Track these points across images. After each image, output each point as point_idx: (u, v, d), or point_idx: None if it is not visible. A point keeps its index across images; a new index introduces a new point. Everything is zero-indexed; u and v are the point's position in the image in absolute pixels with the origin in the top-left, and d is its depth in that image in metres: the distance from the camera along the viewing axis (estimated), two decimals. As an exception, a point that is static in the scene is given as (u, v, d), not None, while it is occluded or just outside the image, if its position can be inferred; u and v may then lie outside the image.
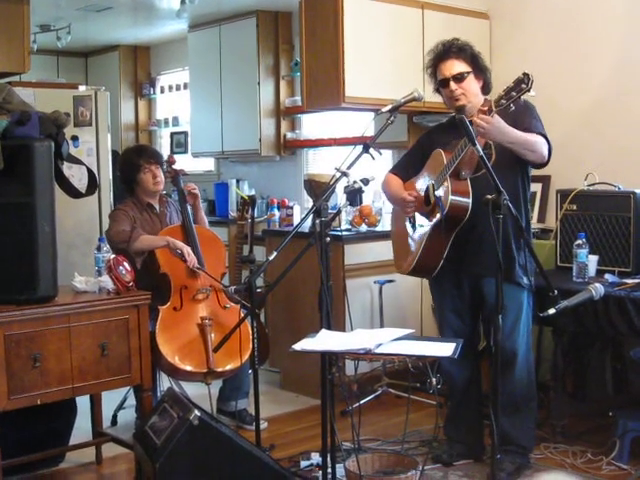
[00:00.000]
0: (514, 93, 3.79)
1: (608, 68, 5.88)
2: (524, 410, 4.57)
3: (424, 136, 4.95)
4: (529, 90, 3.73)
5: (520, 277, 4.42)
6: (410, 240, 4.66)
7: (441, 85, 4.55)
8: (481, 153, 3.60)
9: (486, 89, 4.57)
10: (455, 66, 4.47)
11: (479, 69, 4.52)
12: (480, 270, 4.42)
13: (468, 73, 4.46)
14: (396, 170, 4.88)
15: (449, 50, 4.51)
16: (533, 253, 3.89)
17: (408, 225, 4.70)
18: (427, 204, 4.49)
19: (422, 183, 4.59)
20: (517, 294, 4.42)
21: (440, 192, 4.35)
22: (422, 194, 4.53)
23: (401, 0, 6.09)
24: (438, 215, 4.33)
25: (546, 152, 4.33)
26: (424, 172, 4.61)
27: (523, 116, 4.29)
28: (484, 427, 4.74)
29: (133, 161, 5.27)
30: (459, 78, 4.45)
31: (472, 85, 4.49)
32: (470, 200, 4.27)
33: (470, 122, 4.10)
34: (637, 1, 5.71)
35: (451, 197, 4.27)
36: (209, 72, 8.72)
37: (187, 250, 5.01)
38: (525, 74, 3.74)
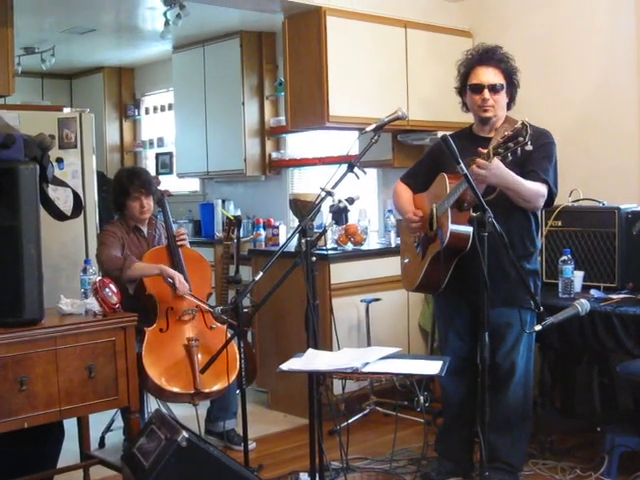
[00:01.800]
0: (511, 144, 3.71)
1: (591, 85, 5.92)
2: (517, 429, 4.55)
3: (437, 145, 4.84)
4: (526, 144, 3.65)
5: (524, 300, 4.29)
6: (414, 260, 4.64)
7: (473, 89, 4.46)
8: (465, 171, 3.59)
9: (509, 105, 4.53)
10: (495, 76, 4.40)
11: (512, 85, 4.47)
12: (480, 300, 4.37)
13: (503, 86, 4.42)
14: (407, 179, 4.81)
15: (492, 57, 4.44)
16: (521, 274, 3.89)
17: (414, 243, 4.68)
18: (431, 227, 4.45)
19: (427, 203, 4.54)
20: (521, 314, 4.33)
21: (441, 221, 4.30)
22: (428, 213, 4.49)
23: (384, 19, 6.12)
24: (439, 244, 4.31)
25: (541, 204, 4.33)
26: (431, 192, 4.55)
27: (537, 153, 4.23)
28: (474, 445, 4.73)
29: (123, 185, 5.24)
30: (495, 89, 4.40)
31: (503, 99, 4.45)
32: (471, 230, 4.18)
33: (482, 138, 4.11)
34: (619, 19, 5.75)
35: (451, 227, 4.21)
36: (193, 93, 8.74)
37: (179, 278, 4.98)
38: (524, 125, 3.64)
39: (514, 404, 4.52)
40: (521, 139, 3.66)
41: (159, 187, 5.42)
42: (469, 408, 4.72)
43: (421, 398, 5.59)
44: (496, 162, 3.95)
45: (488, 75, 4.42)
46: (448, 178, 4.33)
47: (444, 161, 4.41)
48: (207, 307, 5.14)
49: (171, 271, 5.01)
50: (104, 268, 5.06)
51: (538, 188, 4.26)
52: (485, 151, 3.95)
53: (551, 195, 4.35)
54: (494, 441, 4.28)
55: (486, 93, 4.41)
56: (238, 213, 8.13)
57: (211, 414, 5.50)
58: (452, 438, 4.80)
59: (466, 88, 4.53)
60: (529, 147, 3.69)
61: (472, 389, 4.70)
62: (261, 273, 3.72)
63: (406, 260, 4.82)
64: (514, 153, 3.75)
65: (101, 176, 7.36)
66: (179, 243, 5.29)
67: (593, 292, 4.87)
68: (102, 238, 5.30)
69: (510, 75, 4.46)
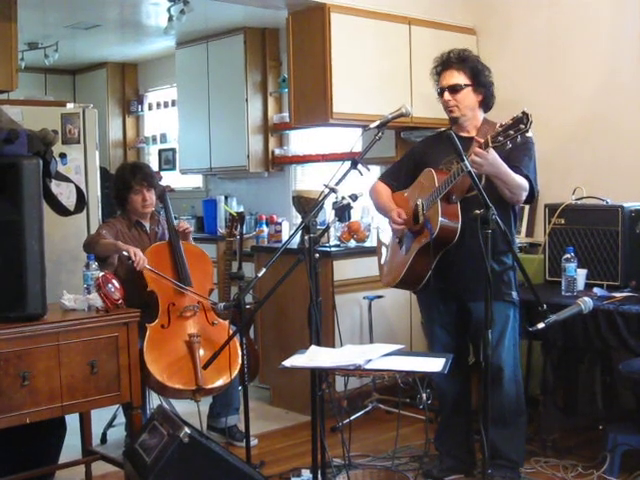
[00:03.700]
0: (512, 132, 3.76)
1: (595, 83, 5.92)
2: (513, 424, 4.56)
3: (417, 146, 4.94)
4: (527, 131, 3.70)
5: (506, 294, 4.43)
6: (396, 255, 4.66)
7: (438, 94, 4.56)
8: (470, 169, 3.62)
9: (486, 104, 4.56)
10: (453, 77, 4.47)
11: (479, 84, 4.49)
12: (464, 293, 4.44)
13: (466, 86, 4.45)
14: (386, 179, 4.84)
15: (451, 59, 4.51)
16: (522, 268, 3.90)
17: (395, 240, 4.69)
18: (415, 222, 4.49)
19: (411, 199, 4.58)
20: (503, 309, 4.43)
21: (429, 214, 4.35)
22: (412, 209, 4.53)
23: (388, 16, 6.11)
24: (426, 237, 4.33)
25: (523, 198, 4.37)
26: (414, 188, 4.59)
27: (518, 151, 4.27)
28: (474, 441, 4.74)
29: (126, 180, 5.27)
30: (454, 90, 4.45)
31: (468, 98, 4.48)
32: (459, 224, 4.27)
33: (459, 137, 4.13)
34: (623, 18, 5.74)
35: (441, 219, 4.26)
36: (197, 89, 8.73)
37: (134, 251, 4.92)
38: (524, 113, 3.70)
39: (508, 400, 4.53)
40: (522, 126, 3.72)
41: (160, 182, 5.43)
42: (464, 404, 4.79)
43: (423, 395, 5.59)
44: (492, 152, 4.01)
45: (447, 77, 4.51)
46: (436, 173, 4.39)
47: (427, 160, 4.55)
48: (207, 299, 5.14)
49: (125, 245, 4.98)
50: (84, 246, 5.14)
51: (523, 182, 4.31)
52: (482, 140, 3.98)
53: (532, 191, 4.40)
54: (492, 438, 4.28)
55: (446, 95, 4.50)
56: (241, 209, 8.14)
57: (213, 410, 5.50)
58: (450, 435, 4.82)
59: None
60: (530, 134, 3.75)
61: (465, 384, 4.75)
62: (264, 269, 3.71)
63: (386, 256, 4.84)
64: (513, 140, 3.79)
65: (104, 172, 7.36)
66: (186, 232, 5.32)
67: (596, 290, 4.86)
68: (99, 227, 5.42)
69: (475, 74, 4.50)
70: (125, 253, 4.92)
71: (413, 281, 4.55)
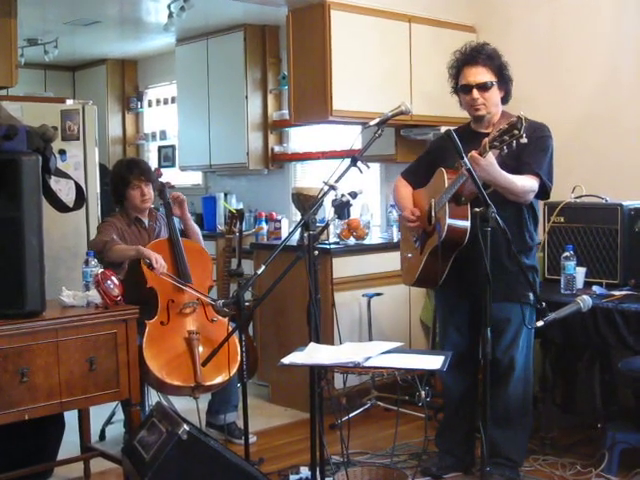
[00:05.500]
0: (506, 137, 3.70)
1: (595, 82, 5.91)
2: (517, 424, 4.56)
3: (435, 142, 4.92)
4: (521, 136, 3.64)
5: (522, 295, 4.35)
6: (413, 254, 4.64)
7: (463, 90, 4.48)
8: (469, 166, 3.60)
9: (506, 99, 4.53)
10: (482, 74, 4.40)
11: (504, 80, 4.46)
12: (480, 294, 4.40)
13: (493, 83, 4.41)
14: (407, 175, 4.83)
15: (478, 56, 4.43)
16: (522, 267, 3.89)
17: (413, 238, 4.68)
18: (429, 222, 4.46)
19: (427, 198, 4.55)
20: (519, 310, 4.36)
21: (439, 215, 4.32)
22: (426, 209, 4.51)
23: (388, 14, 6.10)
24: (437, 238, 4.32)
25: (530, 197, 4.33)
26: (430, 187, 4.56)
27: (533, 145, 4.23)
28: (475, 440, 4.73)
29: (123, 176, 5.25)
30: (484, 88, 4.40)
31: (494, 95, 4.44)
32: (468, 224, 4.22)
33: (480, 133, 4.11)
34: (624, 16, 5.74)
35: (449, 221, 4.23)
36: (197, 86, 8.73)
37: (155, 257, 4.91)
38: (519, 118, 3.63)
39: (514, 399, 4.52)
40: (516, 132, 3.66)
41: (160, 179, 5.42)
42: (469, 403, 4.75)
43: (422, 393, 5.58)
44: (489, 158, 3.97)
45: (475, 74, 4.42)
46: (447, 173, 4.34)
47: (444, 156, 4.45)
48: (206, 296, 5.14)
49: (147, 251, 4.96)
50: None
51: (526, 183, 4.27)
52: (483, 144, 3.95)
53: (545, 188, 4.36)
54: (494, 436, 4.28)
55: (475, 93, 4.41)
56: (240, 206, 8.14)
57: (212, 407, 5.49)
58: (452, 433, 4.81)
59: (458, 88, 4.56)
60: (524, 140, 3.68)
61: (472, 384, 4.73)
62: (263, 267, 3.70)
63: (408, 255, 4.82)
64: (509, 146, 3.75)
65: (103, 168, 7.35)
66: (179, 199, 5.35)
67: (595, 288, 4.86)
68: (99, 227, 5.37)
69: (500, 71, 4.46)
70: (147, 260, 4.91)
71: (430, 280, 4.55)
